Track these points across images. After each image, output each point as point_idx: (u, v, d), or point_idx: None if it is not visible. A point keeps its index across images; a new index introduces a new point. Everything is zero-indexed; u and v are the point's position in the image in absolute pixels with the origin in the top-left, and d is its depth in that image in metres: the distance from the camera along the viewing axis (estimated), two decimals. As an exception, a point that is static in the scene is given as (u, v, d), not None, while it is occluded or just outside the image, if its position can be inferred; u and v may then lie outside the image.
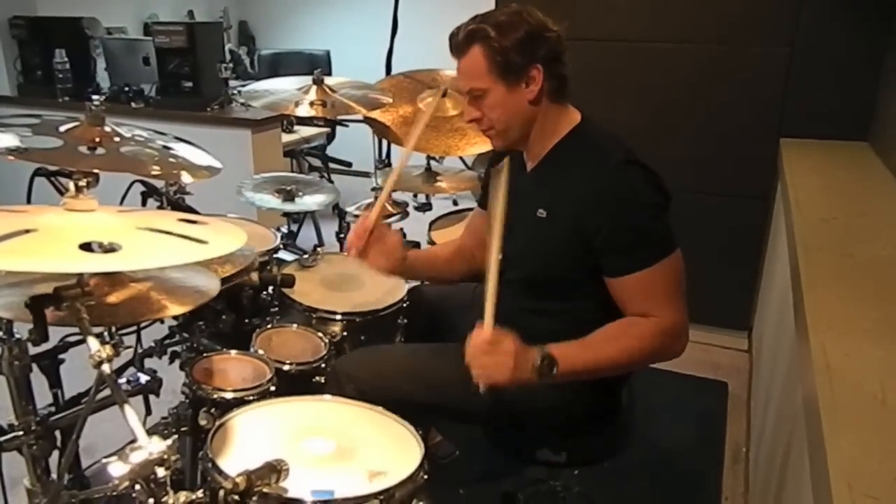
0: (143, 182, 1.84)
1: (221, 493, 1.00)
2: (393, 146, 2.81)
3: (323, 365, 1.63)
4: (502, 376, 1.28)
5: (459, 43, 1.41)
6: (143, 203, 1.89)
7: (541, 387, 1.45)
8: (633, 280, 1.36)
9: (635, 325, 1.37)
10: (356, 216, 2.50)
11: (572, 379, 1.35)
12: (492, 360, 1.28)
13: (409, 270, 1.73)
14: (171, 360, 1.94)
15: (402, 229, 2.35)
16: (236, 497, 1.00)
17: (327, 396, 1.42)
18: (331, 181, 2.86)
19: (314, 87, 2.27)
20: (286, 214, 2.58)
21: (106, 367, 1.00)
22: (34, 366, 1.45)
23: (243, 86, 3.00)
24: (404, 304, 1.86)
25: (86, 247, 0.94)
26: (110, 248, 0.95)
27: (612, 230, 1.35)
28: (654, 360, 1.40)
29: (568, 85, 1.44)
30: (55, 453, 1.44)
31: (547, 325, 1.52)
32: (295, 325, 1.78)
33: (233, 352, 1.62)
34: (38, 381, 1.55)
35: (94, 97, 1.43)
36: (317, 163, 4.84)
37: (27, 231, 0.95)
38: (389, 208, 2.56)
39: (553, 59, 1.39)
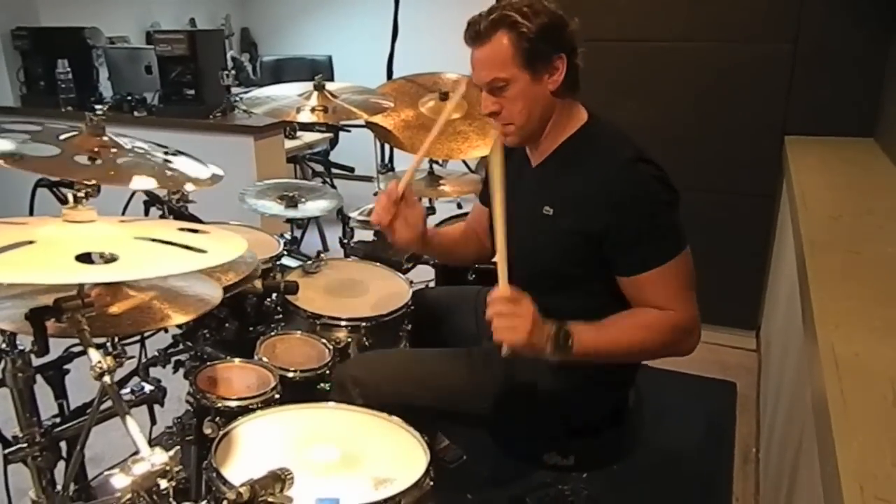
0: (145, 191, 1.84)
1: (224, 503, 0.99)
2: (396, 150, 2.80)
3: (328, 372, 1.63)
4: (520, 336, 1.24)
5: (483, 30, 1.36)
6: (146, 212, 1.89)
7: (549, 384, 1.44)
8: (646, 278, 1.35)
9: (650, 315, 1.36)
10: (360, 221, 2.50)
11: (584, 360, 1.33)
12: (509, 320, 1.25)
13: (426, 246, 1.67)
14: (175, 370, 1.93)
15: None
16: (240, 507, 0.99)
17: (332, 403, 1.41)
18: (333, 187, 2.85)
19: (315, 93, 2.27)
20: (289, 221, 2.56)
21: (107, 379, 1.00)
22: (40, 377, 1.45)
23: (246, 93, 3.00)
24: (409, 309, 1.85)
25: (84, 258, 0.93)
26: (109, 259, 0.95)
27: (623, 228, 1.34)
28: (665, 352, 1.39)
29: (579, 77, 1.42)
30: (61, 464, 1.44)
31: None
32: (299, 332, 1.77)
33: (237, 360, 1.61)
34: (44, 391, 1.55)
35: (97, 107, 1.43)
36: (319, 168, 4.84)
37: (26, 243, 0.95)
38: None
39: (573, 50, 1.39)
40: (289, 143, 3.98)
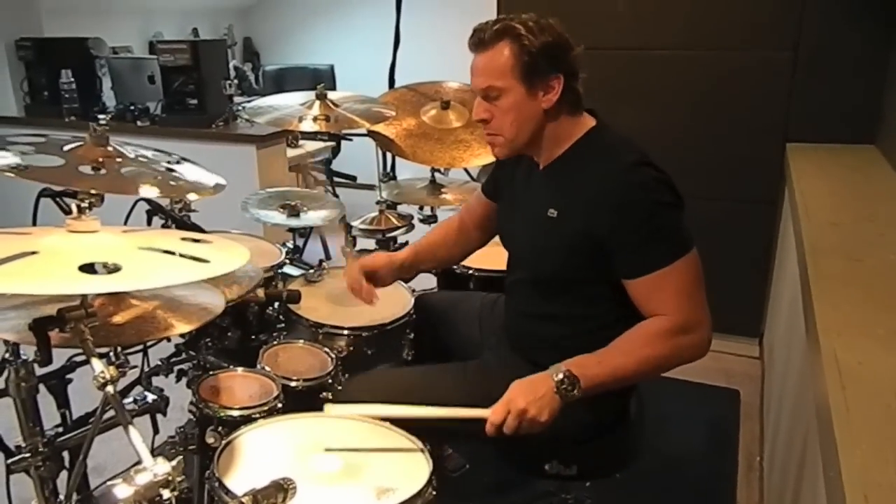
0: (147, 200, 1.85)
1: (227, 513, 0.99)
2: (398, 159, 2.81)
3: (330, 380, 1.62)
4: (542, 423, 1.32)
5: (487, 38, 1.38)
6: (149, 221, 1.89)
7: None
8: (651, 280, 1.35)
9: (650, 332, 1.36)
10: (362, 230, 2.50)
11: (594, 393, 1.35)
12: (526, 425, 1.32)
13: (412, 272, 1.78)
14: (178, 379, 1.93)
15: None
16: (243, 517, 0.99)
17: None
18: (336, 195, 2.85)
19: (317, 102, 2.28)
20: (292, 229, 2.57)
21: (110, 388, 1.00)
22: (43, 386, 1.45)
23: (248, 102, 3.01)
24: (411, 318, 1.85)
25: (87, 268, 0.94)
26: (113, 269, 0.95)
27: (624, 230, 1.34)
28: (677, 361, 1.38)
29: (581, 98, 1.44)
30: (63, 474, 1.44)
31: (553, 331, 1.52)
32: (301, 341, 1.77)
33: (239, 369, 1.61)
34: (47, 401, 1.55)
35: (100, 116, 1.44)
36: (322, 177, 4.84)
37: (29, 253, 0.95)
38: (394, 220, 2.55)
39: (572, 74, 1.40)
40: (291, 152, 3.98)
